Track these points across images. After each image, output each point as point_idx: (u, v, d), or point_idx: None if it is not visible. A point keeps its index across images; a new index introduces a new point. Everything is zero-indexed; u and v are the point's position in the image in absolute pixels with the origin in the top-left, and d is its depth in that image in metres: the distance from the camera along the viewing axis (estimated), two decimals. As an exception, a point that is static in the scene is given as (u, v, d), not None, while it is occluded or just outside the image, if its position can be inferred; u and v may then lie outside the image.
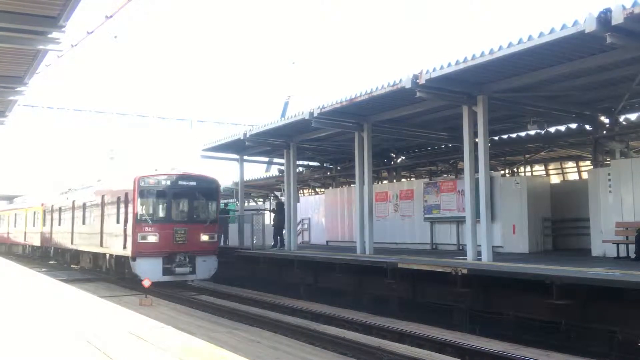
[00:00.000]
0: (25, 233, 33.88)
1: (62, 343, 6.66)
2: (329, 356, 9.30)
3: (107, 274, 20.61)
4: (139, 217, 17.76)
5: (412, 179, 25.54)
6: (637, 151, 18.09)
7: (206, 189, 19.23)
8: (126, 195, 18.45)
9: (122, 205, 18.81)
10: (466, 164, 13.94)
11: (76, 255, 24.99)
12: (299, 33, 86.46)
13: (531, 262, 12.58)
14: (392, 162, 24.14)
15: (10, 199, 43.72)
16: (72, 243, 24.74)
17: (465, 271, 11.64)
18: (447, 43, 79.20)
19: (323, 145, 21.93)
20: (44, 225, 30.09)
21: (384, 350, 9.62)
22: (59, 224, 27.33)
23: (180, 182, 18.62)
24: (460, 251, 17.16)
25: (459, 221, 17.84)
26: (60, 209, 27.45)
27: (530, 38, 10.26)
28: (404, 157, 24.02)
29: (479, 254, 13.49)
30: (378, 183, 24.55)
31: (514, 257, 14.21)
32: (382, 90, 13.81)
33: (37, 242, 31.48)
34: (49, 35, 8.81)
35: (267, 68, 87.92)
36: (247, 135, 19.76)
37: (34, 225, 32.17)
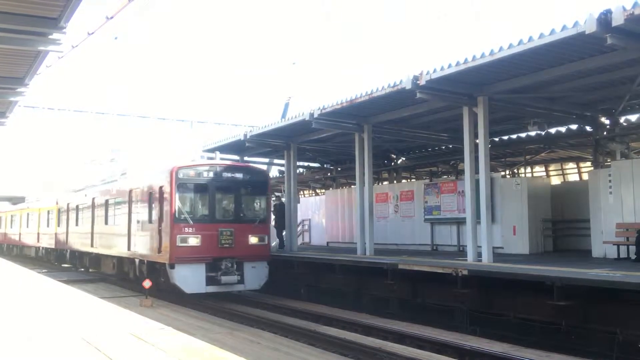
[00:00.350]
0: (38, 234, 31.67)
1: (62, 344, 6.66)
2: (329, 357, 9.29)
3: (137, 283, 17.49)
4: (177, 216, 14.90)
5: (412, 180, 25.55)
6: (638, 152, 18.09)
7: (255, 182, 16.40)
8: (161, 190, 15.65)
9: (155, 202, 16.04)
10: (466, 165, 13.95)
11: (96, 259, 22.25)
12: (300, 34, 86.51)
13: (531, 263, 12.57)
14: (393, 163, 24.15)
15: (10, 199, 43.70)
16: (92, 246, 22.04)
17: (465, 272, 11.64)
18: (447, 43, 79.20)
19: (323, 146, 21.94)
20: (59, 225, 27.71)
21: (384, 351, 9.62)
22: (76, 224, 24.76)
23: (224, 174, 15.81)
24: (461, 252, 17.16)
25: (459, 222, 17.84)
26: (77, 207, 24.83)
27: (530, 39, 10.26)
28: (404, 158, 24.03)
29: (479, 255, 13.48)
30: (378, 184, 24.56)
31: (515, 258, 14.20)
32: (382, 91, 13.82)
33: (51, 244, 29.20)
34: (50, 37, 8.82)
35: (267, 69, 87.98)
36: (248, 136, 19.77)
37: (47, 226, 29.83)
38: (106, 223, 20.54)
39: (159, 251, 15.32)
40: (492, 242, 13.80)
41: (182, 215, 14.95)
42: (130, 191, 18.03)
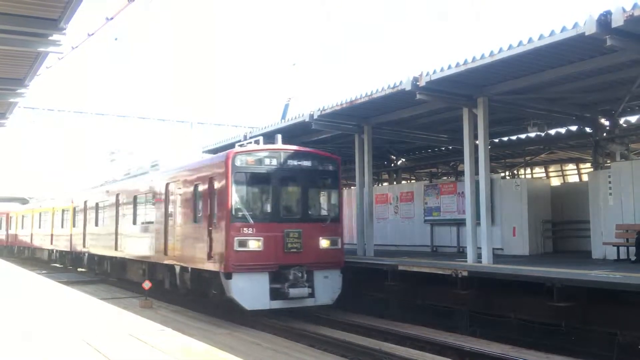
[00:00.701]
0: (51, 236, 29.13)
1: (62, 345, 6.66)
2: (328, 358, 9.29)
3: (175, 294, 15.35)
4: (234, 214, 12.23)
5: (412, 181, 25.55)
6: (638, 153, 18.10)
7: (325, 172, 13.68)
8: (211, 181, 13.10)
9: (203, 197, 13.47)
10: (466, 166, 13.95)
11: (120, 265, 19.46)
12: (300, 35, 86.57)
13: (531, 264, 12.58)
14: (393, 164, 24.15)
15: (10, 200, 43.59)
16: (115, 249, 19.38)
17: (465, 273, 11.64)
18: (447, 44, 79.28)
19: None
20: (74, 226, 25.23)
21: (384, 352, 9.61)
22: (96, 225, 22.07)
23: (290, 162, 13.11)
24: (461, 253, 17.14)
25: (459, 223, 17.82)
26: (97, 205, 22.10)
27: (530, 40, 10.26)
28: (404, 159, 24.04)
29: (479, 256, 13.48)
30: (378, 185, 24.56)
31: (514, 260, 14.20)
32: (382, 92, 13.82)
33: (65, 247, 26.63)
34: (50, 38, 8.83)
35: (267, 70, 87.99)
36: (247, 137, 19.75)
37: (62, 227, 27.36)
38: (134, 223, 18.01)
39: (209, 257, 12.74)
40: (492, 243, 13.79)
41: (241, 213, 12.28)
42: (167, 185, 15.47)
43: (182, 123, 40.21)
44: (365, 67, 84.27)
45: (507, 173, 22.15)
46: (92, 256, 22.84)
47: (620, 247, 13.32)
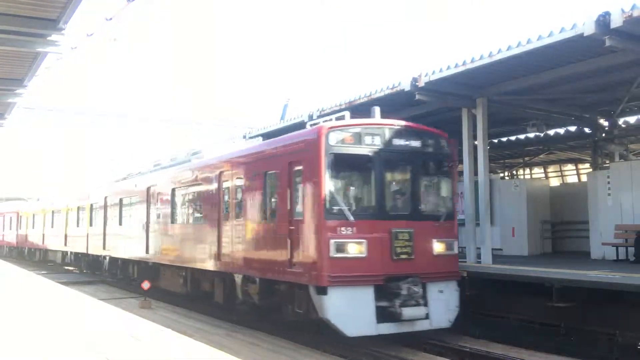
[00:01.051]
0: (65, 236, 26.36)
1: (62, 346, 6.66)
2: (328, 359, 9.28)
3: (227, 311, 12.65)
4: (329, 208, 9.36)
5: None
6: (637, 154, 18.11)
7: (438, 155, 10.67)
8: (291, 167, 10.22)
9: (279, 188, 10.62)
10: (465, 167, 13.95)
11: (153, 270, 16.49)
12: (299, 35, 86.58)
13: (531, 264, 12.59)
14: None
15: (9, 201, 43.54)
16: (146, 252, 16.54)
17: (464, 274, 11.63)
18: (448, 44, 79.29)
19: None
20: (92, 225, 22.54)
21: (383, 353, 9.59)
22: (120, 223, 19.29)
23: (396, 142, 10.14)
24: (460, 254, 17.12)
25: (459, 224, 17.76)
26: (121, 202, 19.32)
27: (529, 41, 10.27)
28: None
29: (478, 256, 13.49)
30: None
31: (514, 260, 14.20)
32: (381, 92, 13.81)
33: (81, 249, 23.88)
34: (49, 38, 8.85)
35: (266, 70, 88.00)
36: (246, 139, 19.74)
37: (77, 226, 24.66)
38: (172, 221, 15.10)
39: (291, 265, 9.91)
40: (491, 243, 13.79)
41: (338, 208, 9.40)
42: (220, 174, 12.72)
43: (181, 123, 40.23)
44: (364, 69, 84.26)
45: (506, 173, 22.16)
46: (114, 260, 19.91)
47: (619, 248, 13.33)
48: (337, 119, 10.60)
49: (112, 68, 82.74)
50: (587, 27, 9.17)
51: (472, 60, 11.43)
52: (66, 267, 27.79)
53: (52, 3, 7.89)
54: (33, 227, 33.16)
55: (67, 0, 7.75)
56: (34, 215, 33.26)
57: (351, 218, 9.37)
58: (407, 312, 9.30)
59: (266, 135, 16.58)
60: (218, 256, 12.41)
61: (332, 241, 9.21)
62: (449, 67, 12.00)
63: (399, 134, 10.23)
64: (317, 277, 9.25)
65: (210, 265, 12.84)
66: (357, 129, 9.98)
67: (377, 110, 10.68)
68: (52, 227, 29.10)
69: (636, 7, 8.58)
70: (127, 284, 18.99)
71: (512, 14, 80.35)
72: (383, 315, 9.28)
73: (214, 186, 12.97)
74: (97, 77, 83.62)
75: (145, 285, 14.47)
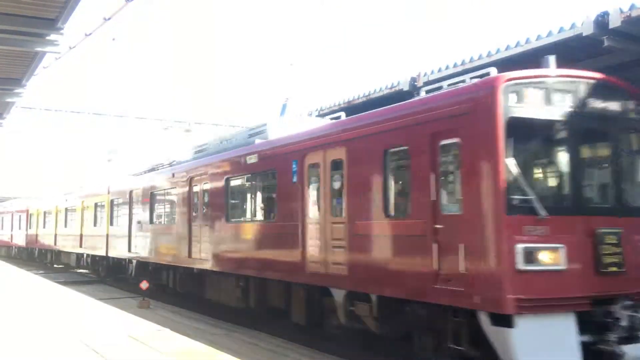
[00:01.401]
0: (80, 237, 23.48)
1: (61, 346, 6.66)
2: (327, 359, 9.28)
3: (329, 333, 9.96)
4: (511, 199, 6.57)
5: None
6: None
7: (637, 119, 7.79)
8: (433, 141, 7.46)
9: (412, 171, 7.86)
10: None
11: (197, 278, 13.99)
12: (297, 34, 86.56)
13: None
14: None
15: (7, 199, 43.52)
16: (189, 256, 13.77)
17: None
18: (448, 44, 79.32)
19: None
20: (112, 224, 19.82)
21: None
22: (150, 221, 16.54)
23: (593, 103, 7.40)
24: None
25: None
26: (151, 196, 16.57)
27: (528, 41, 10.28)
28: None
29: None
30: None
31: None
32: (379, 92, 13.81)
33: (100, 250, 20.91)
34: (47, 38, 8.85)
35: (265, 70, 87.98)
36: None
37: (95, 225, 21.87)
38: (228, 219, 12.32)
39: (439, 280, 7.13)
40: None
41: (523, 198, 6.60)
42: (304, 157, 9.88)
43: (180, 123, 40.18)
44: (363, 68, 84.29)
45: None
46: (142, 264, 17.18)
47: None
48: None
49: (111, 68, 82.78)
50: (586, 27, 9.18)
51: (471, 60, 11.42)
52: (79, 270, 26.16)
53: (51, 3, 7.89)
54: (44, 227, 30.22)
55: (65, 0, 7.74)
56: (45, 213, 30.18)
57: (543, 213, 6.51)
58: (631, 350, 6.42)
59: (350, 110, 13.00)
60: (303, 263, 9.62)
61: (518, 246, 6.39)
62: (447, 67, 12.00)
63: (597, 90, 7.49)
64: (494, 300, 6.43)
65: (287, 275, 10.20)
66: (546, 82, 7.15)
67: (551, 59, 7.69)
68: (65, 226, 26.26)
69: (634, 7, 8.60)
70: (127, 284, 18.93)
71: (512, 14, 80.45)
72: (590, 356, 6.46)
73: (289, 174, 10.19)
74: (96, 77, 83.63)
75: (144, 285, 14.47)
